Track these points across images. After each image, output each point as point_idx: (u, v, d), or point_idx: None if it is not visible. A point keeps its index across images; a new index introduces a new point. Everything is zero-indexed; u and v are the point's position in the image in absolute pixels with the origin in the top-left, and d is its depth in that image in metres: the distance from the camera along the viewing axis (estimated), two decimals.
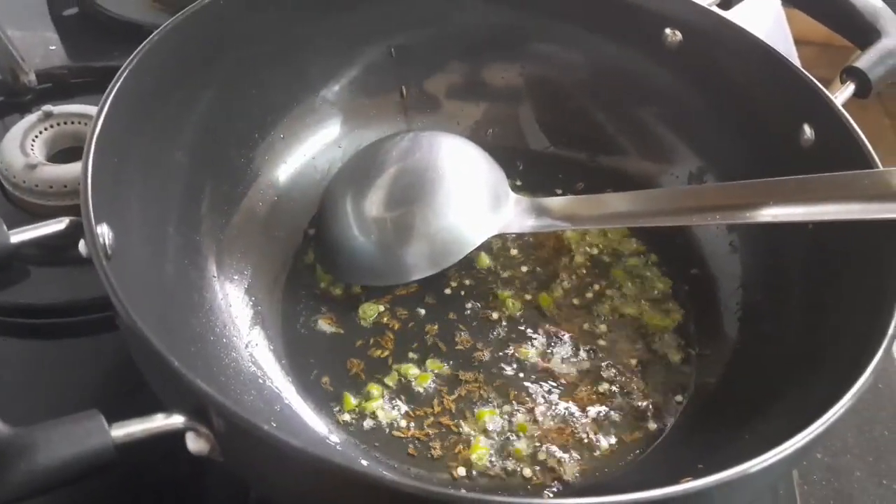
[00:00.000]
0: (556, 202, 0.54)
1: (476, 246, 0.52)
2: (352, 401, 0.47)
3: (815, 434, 0.33)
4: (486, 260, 0.55)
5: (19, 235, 0.40)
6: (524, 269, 0.55)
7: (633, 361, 0.50)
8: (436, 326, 0.51)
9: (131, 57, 0.44)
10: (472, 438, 0.46)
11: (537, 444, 0.46)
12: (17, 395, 0.46)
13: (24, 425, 0.30)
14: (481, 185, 0.53)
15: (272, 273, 0.52)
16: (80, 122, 0.59)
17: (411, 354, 0.49)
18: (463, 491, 0.42)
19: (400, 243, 0.51)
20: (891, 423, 0.51)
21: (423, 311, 0.52)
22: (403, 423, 0.46)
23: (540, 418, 0.47)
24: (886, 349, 0.36)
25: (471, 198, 0.52)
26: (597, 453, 0.46)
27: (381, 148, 0.55)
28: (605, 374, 0.49)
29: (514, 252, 0.56)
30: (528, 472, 0.45)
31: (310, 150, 0.57)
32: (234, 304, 0.49)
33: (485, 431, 0.46)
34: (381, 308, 0.51)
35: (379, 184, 0.52)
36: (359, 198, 0.52)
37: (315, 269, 0.53)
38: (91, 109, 0.59)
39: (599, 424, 0.47)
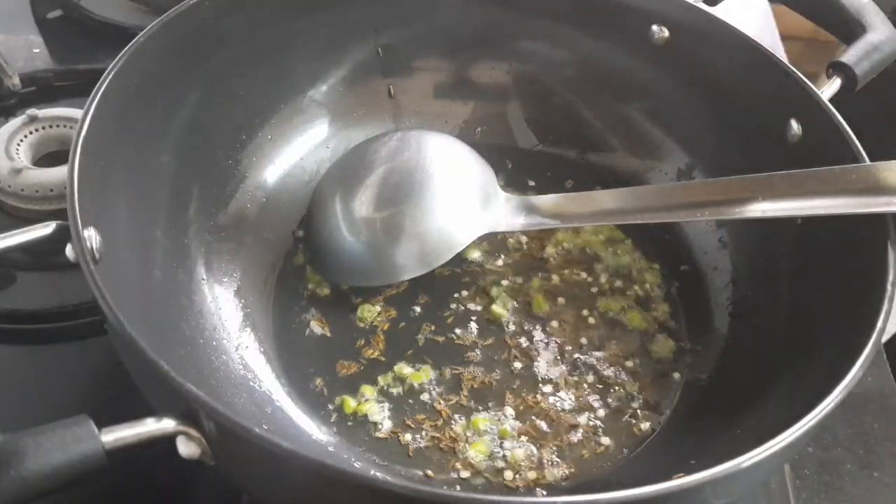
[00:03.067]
0: (545, 200, 0.54)
1: (466, 245, 0.51)
2: (351, 403, 0.46)
3: (807, 428, 0.33)
4: (477, 258, 0.55)
5: (5, 240, 0.40)
6: (516, 266, 0.55)
7: (624, 359, 0.50)
8: (427, 326, 0.51)
9: (116, 59, 0.44)
10: (464, 439, 0.46)
11: (531, 443, 0.46)
12: (5, 402, 0.46)
13: (12, 431, 0.30)
14: (470, 184, 0.53)
15: (262, 275, 0.52)
16: (65, 126, 0.58)
17: (403, 355, 0.49)
18: (456, 491, 0.42)
19: (390, 243, 0.51)
20: (880, 416, 0.51)
21: (414, 312, 0.52)
22: (396, 424, 0.46)
23: (533, 418, 0.47)
24: (875, 342, 0.37)
25: (460, 197, 0.52)
26: (590, 452, 0.46)
27: (370, 148, 0.55)
28: (596, 373, 0.49)
29: (505, 250, 0.56)
30: (521, 471, 0.45)
31: (298, 150, 0.57)
32: (224, 306, 0.49)
33: (478, 432, 0.46)
34: (379, 308, 0.51)
35: (368, 184, 0.52)
36: (348, 198, 0.52)
37: (305, 270, 0.53)
38: (76, 112, 0.58)
39: (592, 423, 0.47)
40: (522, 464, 0.45)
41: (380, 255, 0.51)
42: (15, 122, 0.58)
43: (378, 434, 0.46)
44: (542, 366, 0.49)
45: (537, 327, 0.51)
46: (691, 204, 0.49)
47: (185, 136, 0.49)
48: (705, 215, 0.50)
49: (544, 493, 0.44)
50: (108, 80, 0.43)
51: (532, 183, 0.59)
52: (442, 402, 0.47)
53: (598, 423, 0.47)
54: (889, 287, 0.39)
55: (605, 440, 0.46)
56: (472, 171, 0.54)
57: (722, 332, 0.51)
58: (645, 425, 0.47)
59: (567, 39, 0.59)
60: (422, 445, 0.45)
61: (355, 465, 0.44)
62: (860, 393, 0.52)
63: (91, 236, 0.37)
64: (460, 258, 0.53)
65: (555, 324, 0.52)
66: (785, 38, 0.78)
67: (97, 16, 0.70)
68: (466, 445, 0.45)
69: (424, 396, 0.47)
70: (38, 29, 0.71)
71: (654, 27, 0.55)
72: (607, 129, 0.60)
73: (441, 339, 0.50)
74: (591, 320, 0.52)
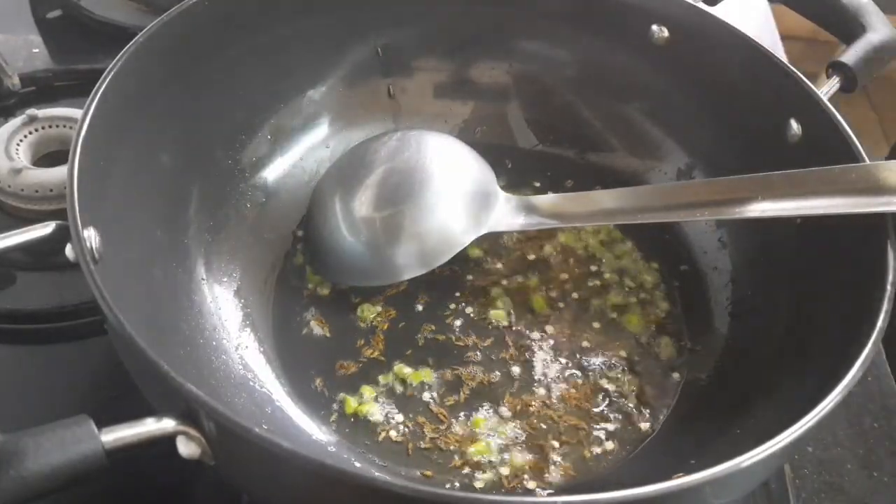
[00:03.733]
0: (544, 200, 0.54)
1: (465, 245, 0.51)
2: (351, 403, 0.46)
3: (806, 428, 0.33)
4: (477, 257, 0.55)
5: (5, 240, 0.40)
6: (515, 267, 0.55)
7: (624, 359, 0.50)
8: (427, 326, 0.51)
9: (116, 59, 0.44)
10: (464, 439, 0.46)
11: (530, 443, 0.46)
12: (5, 402, 0.46)
13: (12, 431, 0.30)
14: (470, 184, 0.53)
15: (261, 275, 0.52)
16: (65, 126, 0.58)
17: (403, 355, 0.49)
18: (456, 491, 0.42)
19: (390, 243, 0.51)
20: (880, 415, 0.51)
21: (414, 311, 0.52)
22: (396, 424, 0.46)
23: (533, 418, 0.47)
24: (875, 342, 0.37)
25: (460, 197, 0.52)
26: (590, 452, 0.46)
27: (370, 147, 0.55)
28: (596, 374, 0.49)
29: (505, 250, 0.56)
30: (521, 470, 0.45)
31: (298, 150, 0.57)
32: (224, 306, 0.49)
33: (478, 432, 0.46)
34: (379, 308, 0.51)
35: (368, 183, 0.52)
36: (348, 198, 0.52)
37: (305, 270, 0.53)
38: (76, 112, 0.58)
39: (592, 423, 0.47)
40: (522, 464, 0.45)
41: (380, 255, 0.51)
42: (15, 122, 0.58)
43: (378, 434, 0.46)
44: (541, 366, 0.49)
45: (537, 327, 0.51)
46: (691, 204, 0.49)
47: (185, 136, 0.49)
48: (705, 215, 0.50)
49: (544, 493, 0.44)
50: (107, 80, 0.42)
51: (532, 183, 0.59)
52: (442, 402, 0.47)
53: (598, 423, 0.47)
54: (889, 287, 0.39)
55: (605, 440, 0.46)
56: (471, 171, 0.54)
57: (722, 332, 0.51)
58: (645, 425, 0.47)
59: (567, 39, 0.59)
60: (421, 446, 0.45)
61: (355, 465, 0.44)
62: (860, 393, 0.52)
63: (91, 236, 0.37)
64: (460, 258, 0.53)
65: (554, 324, 0.52)
66: (785, 38, 0.78)
67: (97, 16, 0.70)
68: (466, 445, 0.45)
69: (424, 396, 0.47)
70: (37, 29, 0.71)
71: (654, 27, 0.55)
72: (607, 129, 0.60)
73: (441, 339, 0.50)
74: (591, 320, 0.52)
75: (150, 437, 0.31)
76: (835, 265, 0.45)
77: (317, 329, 0.50)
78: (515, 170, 0.59)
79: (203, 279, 0.49)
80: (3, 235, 0.40)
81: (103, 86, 0.42)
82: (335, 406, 0.47)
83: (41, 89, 0.64)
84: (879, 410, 0.51)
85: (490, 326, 0.51)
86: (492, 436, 0.46)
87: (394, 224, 0.51)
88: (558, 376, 0.49)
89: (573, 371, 0.49)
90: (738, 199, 0.47)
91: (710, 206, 0.48)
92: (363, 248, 0.51)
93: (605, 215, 0.52)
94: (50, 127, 0.58)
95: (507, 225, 0.53)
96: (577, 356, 0.50)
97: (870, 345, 0.36)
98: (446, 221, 0.51)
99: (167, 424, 0.31)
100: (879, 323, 0.37)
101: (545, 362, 0.50)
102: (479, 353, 0.50)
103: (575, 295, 0.53)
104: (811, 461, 0.48)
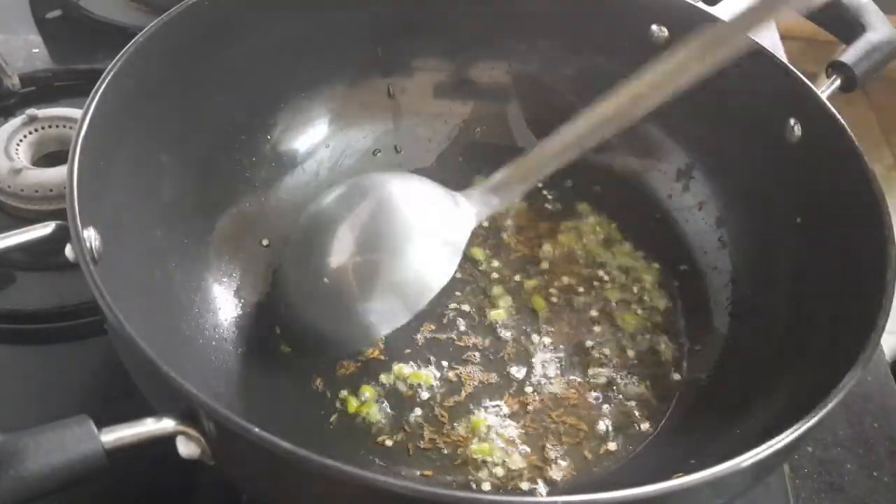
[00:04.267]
0: (499, 176, 0.50)
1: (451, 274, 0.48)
2: (351, 403, 0.46)
3: (806, 427, 0.33)
4: (476, 258, 0.55)
5: (5, 240, 0.40)
6: (515, 267, 0.55)
7: (624, 360, 0.50)
8: (427, 326, 0.51)
9: (116, 59, 0.44)
10: (464, 439, 0.46)
11: (530, 443, 0.46)
12: (5, 402, 0.46)
13: (12, 431, 0.30)
14: (432, 227, 0.48)
15: (261, 275, 0.52)
16: (64, 126, 0.58)
17: (403, 354, 0.49)
18: (456, 491, 0.42)
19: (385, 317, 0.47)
20: (880, 415, 0.51)
21: None
22: (395, 425, 0.46)
23: (532, 418, 0.47)
24: (875, 342, 0.37)
25: (430, 240, 0.47)
26: (590, 452, 0.46)
27: (321, 218, 0.49)
28: (596, 374, 0.49)
29: (504, 250, 0.56)
30: (521, 470, 0.45)
31: (297, 150, 0.57)
32: (223, 306, 0.49)
33: (477, 432, 0.46)
34: None
35: (334, 281, 0.47)
36: (317, 283, 0.47)
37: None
38: (76, 112, 0.58)
39: (592, 423, 0.47)
40: (522, 464, 0.45)
41: (372, 328, 0.47)
42: (14, 122, 0.58)
43: (378, 434, 0.46)
44: (541, 366, 0.49)
45: (536, 327, 0.51)
46: (623, 110, 0.47)
47: (185, 136, 0.49)
48: (641, 113, 0.47)
49: (544, 493, 0.44)
50: (107, 80, 0.42)
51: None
52: (442, 402, 0.47)
53: (598, 422, 0.47)
54: (889, 286, 0.39)
55: (605, 440, 0.46)
56: (426, 209, 0.49)
57: (722, 332, 0.51)
58: (645, 425, 0.47)
59: (567, 39, 0.59)
60: (421, 446, 0.45)
61: (355, 465, 0.44)
62: (860, 393, 0.52)
63: (90, 236, 0.37)
64: (463, 256, 0.52)
65: (554, 324, 0.52)
66: (785, 38, 0.78)
67: (97, 16, 0.70)
68: (466, 446, 0.45)
69: (424, 396, 0.47)
70: (37, 29, 0.71)
71: (654, 27, 0.55)
72: None
73: (441, 339, 0.50)
74: (590, 320, 0.52)
75: (150, 437, 0.31)
76: (835, 265, 0.45)
77: None
78: None
79: (203, 279, 0.49)
80: (3, 235, 0.40)
81: (103, 86, 0.42)
82: (335, 406, 0.47)
83: (41, 89, 0.64)
84: (879, 410, 0.51)
85: (489, 326, 0.51)
86: (492, 436, 0.46)
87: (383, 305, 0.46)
88: (558, 376, 0.49)
89: (573, 371, 0.49)
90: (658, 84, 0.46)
91: (636, 104, 0.46)
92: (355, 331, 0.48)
93: (560, 154, 0.48)
94: (50, 127, 0.58)
95: (490, 209, 0.49)
96: (577, 356, 0.50)
97: (870, 345, 0.36)
98: (425, 264, 0.47)
99: (167, 424, 0.31)
100: (879, 322, 0.37)
101: (545, 362, 0.50)
102: (478, 354, 0.50)
103: (575, 295, 0.53)
104: (811, 461, 0.48)
